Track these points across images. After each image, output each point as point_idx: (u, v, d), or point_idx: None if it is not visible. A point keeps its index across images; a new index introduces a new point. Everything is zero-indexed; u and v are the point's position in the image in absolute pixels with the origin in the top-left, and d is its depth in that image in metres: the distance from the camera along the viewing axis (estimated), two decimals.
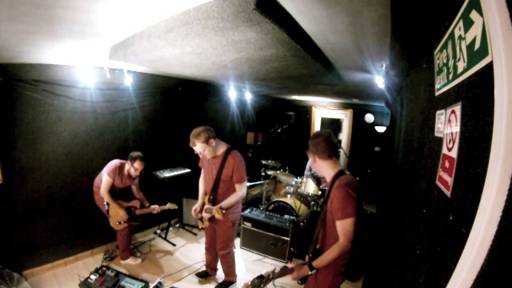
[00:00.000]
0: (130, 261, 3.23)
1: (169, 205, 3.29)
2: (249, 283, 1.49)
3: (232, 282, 2.96)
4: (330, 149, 1.65)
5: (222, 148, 2.46)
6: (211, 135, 2.34)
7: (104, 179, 2.89)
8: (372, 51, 1.97)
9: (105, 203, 2.98)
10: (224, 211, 2.31)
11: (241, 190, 2.45)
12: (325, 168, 1.70)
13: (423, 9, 1.04)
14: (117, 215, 2.99)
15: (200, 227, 2.80)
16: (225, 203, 2.40)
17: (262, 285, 1.49)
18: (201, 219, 2.62)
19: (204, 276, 3.08)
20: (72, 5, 1.38)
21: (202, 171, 2.71)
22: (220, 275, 3.07)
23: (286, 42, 1.58)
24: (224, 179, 2.43)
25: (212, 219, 2.52)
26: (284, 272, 1.62)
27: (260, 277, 1.51)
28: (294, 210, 3.94)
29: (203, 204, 2.58)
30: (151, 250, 3.69)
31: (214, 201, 2.50)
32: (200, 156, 2.55)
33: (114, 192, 3.02)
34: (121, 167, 2.98)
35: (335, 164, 1.70)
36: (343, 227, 1.52)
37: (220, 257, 2.82)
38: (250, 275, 3.23)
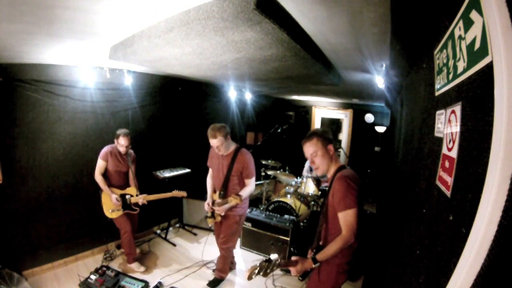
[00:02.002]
0: (134, 266, 3.18)
1: (175, 193, 3.24)
2: (257, 265, 1.49)
3: (223, 279, 3.00)
4: (335, 143, 1.71)
5: (232, 146, 2.62)
6: (228, 132, 2.53)
7: (97, 163, 2.94)
8: (372, 51, 1.97)
9: (100, 192, 3.00)
10: (242, 196, 2.46)
11: (251, 184, 2.62)
12: (328, 162, 1.69)
13: (423, 9, 1.04)
14: (108, 203, 2.97)
15: (210, 225, 2.89)
16: (242, 192, 2.54)
17: (268, 270, 1.49)
18: (212, 215, 2.76)
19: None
20: (72, 5, 1.38)
21: (210, 170, 2.85)
22: (237, 268, 3.22)
23: (286, 42, 1.58)
24: (234, 174, 2.59)
25: (223, 216, 2.67)
26: (289, 263, 1.62)
27: (268, 261, 1.51)
28: (294, 210, 3.94)
29: (213, 201, 2.72)
30: (151, 250, 3.69)
31: (224, 196, 2.63)
32: (216, 151, 2.64)
33: (111, 179, 3.04)
34: (112, 150, 3.01)
35: (337, 158, 1.73)
36: (345, 218, 1.52)
37: (221, 250, 2.88)
38: None
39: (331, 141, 1.68)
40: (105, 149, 3.00)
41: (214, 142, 2.48)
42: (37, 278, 2.90)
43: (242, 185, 2.66)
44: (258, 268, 1.47)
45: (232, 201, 2.44)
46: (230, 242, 2.81)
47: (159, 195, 3.18)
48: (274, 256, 1.54)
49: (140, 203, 3.11)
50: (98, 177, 2.93)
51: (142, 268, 3.17)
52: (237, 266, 3.32)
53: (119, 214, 3.03)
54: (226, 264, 2.94)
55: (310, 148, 1.67)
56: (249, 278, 1.47)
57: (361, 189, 1.57)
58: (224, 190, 2.63)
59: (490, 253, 0.48)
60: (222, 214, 2.63)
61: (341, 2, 1.23)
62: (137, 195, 3.12)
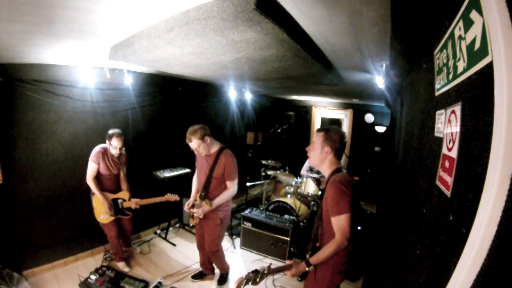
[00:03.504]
0: (120, 265, 3.17)
1: (168, 197, 3.12)
2: (244, 276, 1.50)
3: (227, 272, 3.03)
4: (340, 147, 1.68)
5: (215, 147, 2.59)
6: (206, 133, 2.48)
7: (88, 165, 2.81)
8: (372, 51, 1.97)
9: (90, 195, 2.91)
10: (212, 203, 2.48)
11: (232, 187, 2.56)
12: (326, 163, 1.69)
13: (423, 9, 1.04)
14: (100, 208, 2.87)
15: (191, 224, 2.86)
16: (218, 200, 2.53)
17: (257, 279, 1.49)
18: (192, 215, 2.73)
19: (200, 277, 3.08)
20: (72, 5, 1.38)
21: (196, 170, 2.82)
22: (237, 269, 3.21)
23: (286, 42, 1.58)
24: (215, 176, 2.54)
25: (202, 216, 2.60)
26: (281, 268, 1.62)
27: (255, 271, 1.51)
28: (294, 210, 3.94)
29: (195, 201, 2.69)
30: (151, 250, 3.69)
31: (205, 198, 2.59)
32: (196, 153, 2.67)
33: (103, 182, 2.92)
34: (104, 152, 2.88)
35: (335, 161, 1.70)
36: (338, 223, 1.52)
37: (210, 255, 2.84)
38: None
39: (333, 145, 1.65)
40: (97, 150, 2.85)
41: (190, 145, 2.48)
42: (37, 278, 2.89)
43: (224, 187, 2.58)
44: (245, 280, 1.48)
45: (205, 206, 2.46)
46: (216, 246, 2.77)
47: (152, 200, 3.10)
48: (261, 267, 1.54)
49: (132, 208, 3.04)
50: (90, 181, 2.81)
51: (127, 269, 3.15)
52: (237, 266, 3.32)
53: (111, 219, 2.95)
54: (222, 263, 2.94)
55: (314, 137, 1.74)
56: None
57: (356, 193, 1.56)
58: (205, 192, 2.59)
59: (490, 253, 0.48)
60: (201, 216, 2.57)
61: (341, 2, 1.23)
62: (129, 199, 3.04)
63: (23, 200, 2.86)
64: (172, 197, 3.15)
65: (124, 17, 1.59)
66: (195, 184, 2.80)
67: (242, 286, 1.48)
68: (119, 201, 3.01)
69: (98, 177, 2.90)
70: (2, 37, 1.80)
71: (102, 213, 2.89)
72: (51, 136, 3.00)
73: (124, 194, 3.05)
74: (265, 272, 1.52)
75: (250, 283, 1.49)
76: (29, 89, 2.77)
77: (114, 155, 2.93)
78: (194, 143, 2.45)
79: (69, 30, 1.76)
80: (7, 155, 2.71)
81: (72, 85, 3.07)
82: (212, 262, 3.03)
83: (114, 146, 2.83)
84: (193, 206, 2.65)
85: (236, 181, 2.58)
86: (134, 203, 3.02)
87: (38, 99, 2.85)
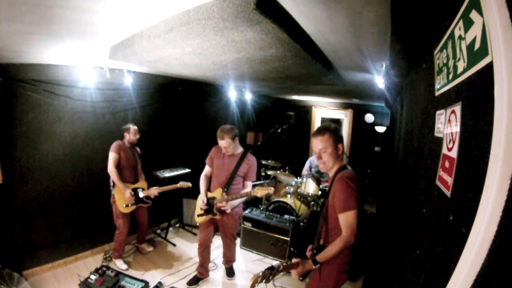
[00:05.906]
0: (118, 263, 3.19)
1: (181, 184, 3.37)
2: (260, 273, 1.49)
3: (233, 262, 3.21)
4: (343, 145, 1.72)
5: (239, 148, 2.80)
6: (237, 134, 2.69)
7: (110, 156, 2.99)
8: (372, 51, 1.97)
9: (111, 187, 3.07)
10: (271, 189, 2.63)
11: (249, 187, 2.78)
12: (334, 160, 1.68)
13: (423, 9, 1.04)
14: (122, 198, 3.04)
15: (198, 223, 2.94)
16: (242, 193, 2.70)
17: (271, 277, 1.50)
18: (208, 212, 2.79)
19: (195, 282, 3.01)
20: (72, 5, 1.38)
21: (206, 169, 2.92)
22: (212, 276, 3.18)
23: (286, 42, 1.58)
24: (239, 174, 2.74)
25: (222, 213, 2.77)
26: (290, 265, 1.62)
27: (271, 268, 1.52)
28: (294, 210, 3.94)
29: (208, 198, 2.82)
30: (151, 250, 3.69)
31: (227, 193, 2.76)
32: (224, 151, 2.77)
33: (123, 173, 3.11)
34: (122, 145, 3.12)
35: (341, 159, 1.72)
36: (346, 220, 1.51)
37: (228, 246, 3.04)
38: (250, 275, 3.22)
39: (342, 140, 1.68)
40: (115, 144, 3.08)
41: (222, 143, 2.63)
42: (37, 278, 2.89)
43: (242, 186, 2.79)
44: (261, 277, 1.48)
45: (258, 192, 2.53)
46: (234, 237, 3.03)
47: (168, 187, 3.32)
48: (276, 264, 1.56)
49: (152, 196, 3.23)
50: (113, 171, 2.97)
51: (125, 266, 3.19)
52: (237, 265, 3.32)
53: (133, 208, 3.13)
54: (234, 252, 3.13)
55: (320, 143, 1.65)
56: (252, 287, 1.47)
57: (361, 190, 1.56)
58: (228, 187, 2.74)
59: (490, 253, 0.48)
60: (229, 210, 2.69)
61: (341, 2, 1.23)
62: (148, 188, 3.26)
63: (23, 200, 2.86)
64: (185, 184, 3.40)
65: (124, 17, 1.59)
66: (205, 182, 2.90)
67: (257, 284, 1.48)
68: (139, 190, 3.21)
69: (118, 169, 3.06)
70: (2, 37, 1.80)
71: (124, 202, 3.05)
72: (51, 136, 3.00)
73: (142, 184, 3.28)
74: (280, 269, 1.53)
75: (264, 280, 1.49)
76: (29, 89, 2.77)
77: (135, 142, 3.21)
78: (225, 142, 2.60)
79: (69, 30, 1.76)
80: (7, 155, 2.71)
81: (72, 85, 3.06)
82: (209, 262, 3.12)
83: (134, 133, 3.17)
84: (208, 203, 2.78)
85: (252, 183, 2.81)
86: (153, 190, 3.22)
87: (38, 99, 2.85)
